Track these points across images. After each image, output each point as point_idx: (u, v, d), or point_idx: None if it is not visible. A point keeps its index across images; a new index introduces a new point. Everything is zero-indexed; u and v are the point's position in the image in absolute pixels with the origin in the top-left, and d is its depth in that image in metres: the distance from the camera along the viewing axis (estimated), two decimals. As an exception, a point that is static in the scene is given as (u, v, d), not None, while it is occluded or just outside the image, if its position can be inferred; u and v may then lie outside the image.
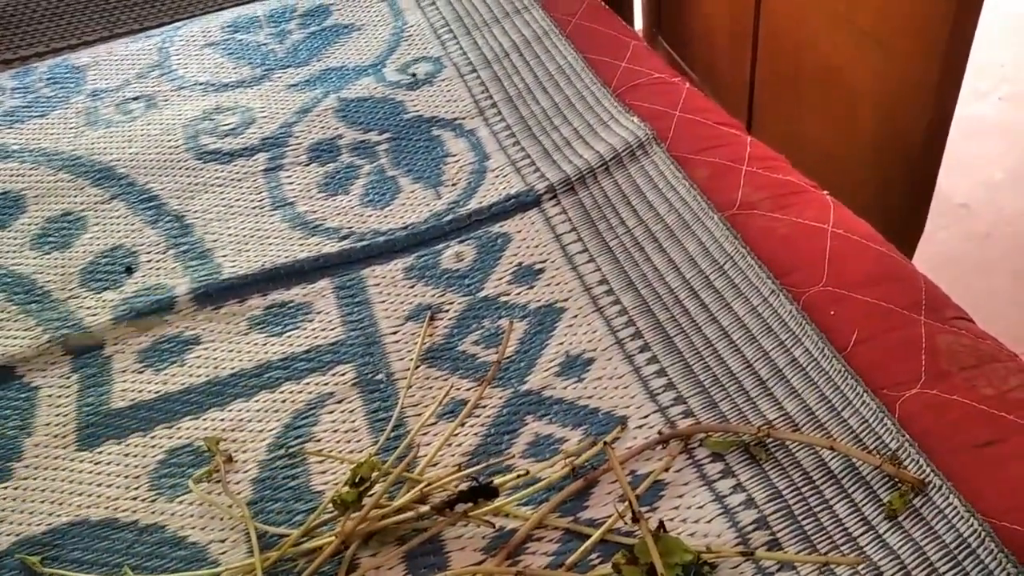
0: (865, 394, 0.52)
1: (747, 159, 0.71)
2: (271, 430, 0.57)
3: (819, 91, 1.34)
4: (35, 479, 0.56)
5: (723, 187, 0.68)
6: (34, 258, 0.72)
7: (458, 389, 0.58)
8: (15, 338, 0.65)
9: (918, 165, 1.42)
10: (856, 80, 1.32)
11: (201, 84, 0.89)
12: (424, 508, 0.48)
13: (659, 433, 0.53)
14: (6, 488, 0.56)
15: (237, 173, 0.78)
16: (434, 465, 0.53)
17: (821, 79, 1.35)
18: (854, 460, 0.49)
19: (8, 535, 0.53)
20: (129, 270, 0.70)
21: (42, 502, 0.55)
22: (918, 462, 0.48)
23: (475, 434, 0.55)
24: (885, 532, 0.46)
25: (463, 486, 0.48)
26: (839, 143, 1.31)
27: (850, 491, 0.48)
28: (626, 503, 0.48)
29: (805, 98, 1.35)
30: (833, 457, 0.50)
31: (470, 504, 0.47)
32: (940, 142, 1.38)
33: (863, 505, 0.47)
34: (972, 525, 0.45)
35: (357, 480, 0.50)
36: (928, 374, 0.52)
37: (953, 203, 1.44)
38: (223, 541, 0.51)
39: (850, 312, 0.57)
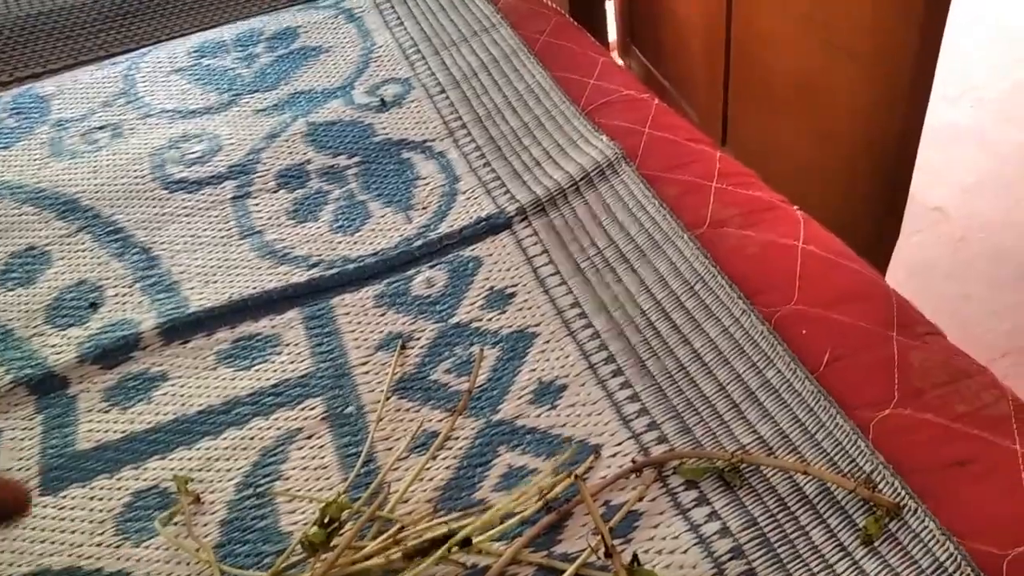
0: (838, 416, 0.51)
1: (717, 175, 0.70)
2: (239, 468, 0.56)
3: (792, 100, 1.35)
4: (-3, 527, 0.55)
5: (693, 205, 0.67)
6: (-3, 295, 0.71)
7: (430, 420, 0.58)
8: (-23, 379, 0.64)
9: (892, 172, 1.43)
10: (829, 89, 1.32)
11: (168, 111, 0.88)
12: (396, 553, 0.47)
13: (632, 462, 0.52)
14: (-33, 537, 0.54)
15: (204, 202, 0.77)
16: (405, 501, 0.52)
17: (794, 88, 1.35)
18: (829, 484, 0.49)
19: (-32, 587, 0.52)
20: (94, 306, 0.69)
21: (1, 552, 0.53)
22: (893, 484, 0.48)
23: (447, 467, 0.54)
24: (861, 558, 0.45)
25: (435, 532, 0.47)
26: (813, 151, 1.31)
27: (825, 516, 0.47)
28: (599, 537, 0.47)
29: (779, 107, 1.36)
30: (808, 481, 0.49)
31: (443, 550, 0.46)
32: (913, 148, 1.39)
33: (839, 531, 0.47)
34: (948, 549, 0.44)
35: (326, 520, 0.49)
36: (901, 393, 0.52)
37: (927, 207, 1.44)
38: (190, 586, 0.50)
39: (822, 331, 0.57)
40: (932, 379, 0.53)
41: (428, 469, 0.54)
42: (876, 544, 0.46)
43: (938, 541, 0.45)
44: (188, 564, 0.51)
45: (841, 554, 0.46)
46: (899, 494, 0.47)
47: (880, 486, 0.48)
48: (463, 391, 0.59)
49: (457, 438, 0.56)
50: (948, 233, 1.41)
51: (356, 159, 0.80)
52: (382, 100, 0.87)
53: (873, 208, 1.31)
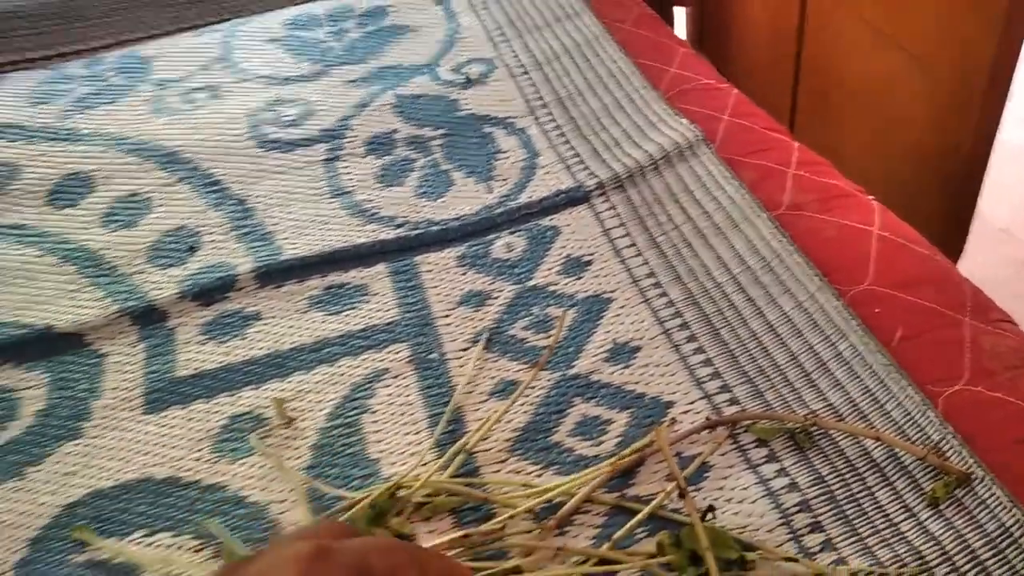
0: (909, 387, 0.53)
1: (794, 163, 0.72)
2: (330, 400, 0.59)
3: (861, 111, 1.35)
4: (103, 438, 0.59)
5: (770, 189, 0.70)
6: (102, 235, 0.76)
7: (507, 371, 0.60)
8: (85, 308, 0.68)
9: (958, 188, 1.42)
10: (898, 101, 1.33)
11: (263, 77, 0.93)
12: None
13: (707, 419, 0.54)
14: (76, 445, 0.58)
15: (297, 162, 0.81)
16: (485, 439, 0.55)
17: (863, 100, 1.36)
18: (897, 451, 0.50)
19: (79, 487, 0.56)
20: (192, 249, 0.73)
21: (110, 459, 0.57)
22: (961, 454, 0.49)
23: (524, 413, 0.57)
24: (927, 519, 0.47)
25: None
26: (879, 164, 1.32)
27: (892, 479, 0.49)
28: (673, 482, 0.49)
29: (846, 118, 1.37)
30: (876, 447, 0.51)
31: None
32: (981, 165, 1.38)
33: (905, 493, 0.49)
34: (1015, 515, 0.46)
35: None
36: (972, 372, 0.54)
37: (994, 228, 1.44)
38: (282, 502, 0.54)
39: (895, 311, 0.58)
40: (1004, 362, 0.54)
41: (507, 413, 0.57)
42: (941, 507, 0.47)
43: (1005, 507, 0.46)
44: (281, 482, 0.55)
45: (906, 514, 0.48)
46: (967, 463, 0.49)
47: (948, 455, 0.49)
48: (539, 347, 0.62)
49: (534, 388, 0.59)
50: (1013, 255, 1.40)
51: (441, 131, 0.84)
52: (467, 78, 0.90)
53: (937, 225, 1.31)
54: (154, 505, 0.54)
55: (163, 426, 0.59)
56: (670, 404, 0.56)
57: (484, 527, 0.49)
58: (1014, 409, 0.51)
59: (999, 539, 0.46)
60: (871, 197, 0.70)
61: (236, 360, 0.63)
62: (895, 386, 0.53)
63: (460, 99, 0.88)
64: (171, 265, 0.72)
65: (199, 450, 0.57)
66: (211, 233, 0.75)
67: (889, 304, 0.59)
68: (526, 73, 0.89)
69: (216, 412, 0.60)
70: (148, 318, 0.67)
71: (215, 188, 0.79)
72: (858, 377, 0.55)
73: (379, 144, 0.83)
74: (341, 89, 0.90)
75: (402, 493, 0.51)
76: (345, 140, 0.83)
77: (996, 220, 1.43)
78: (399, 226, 0.73)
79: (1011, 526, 0.46)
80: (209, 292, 0.68)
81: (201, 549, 0.51)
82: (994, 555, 0.45)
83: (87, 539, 0.52)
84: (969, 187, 1.41)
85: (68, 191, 0.80)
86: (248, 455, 0.57)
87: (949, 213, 1.42)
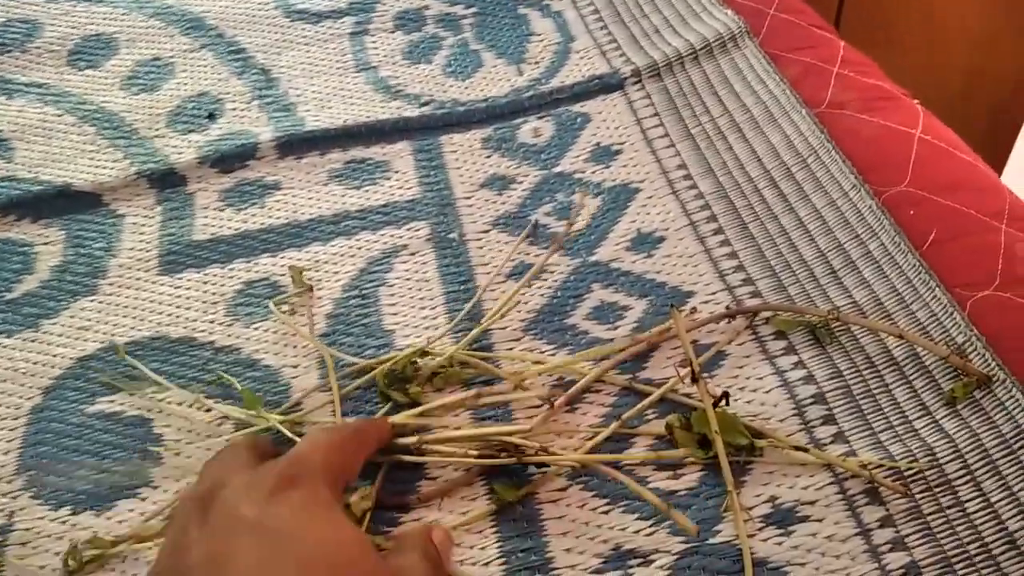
0: (937, 288, 0.52)
1: (839, 61, 0.69)
2: (347, 272, 0.59)
3: (910, 29, 1.30)
4: (119, 296, 0.59)
5: (813, 85, 0.67)
6: (123, 97, 0.74)
7: (527, 254, 0.59)
8: (103, 168, 0.67)
9: (1003, 114, 1.37)
10: (950, 20, 1.27)
11: (291, -54, 0.89)
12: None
13: (727, 308, 0.53)
14: (92, 301, 0.58)
15: (324, 34, 0.79)
16: (502, 317, 0.54)
17: (913, 17, 1.30)
18: (918, 351, 0.49)
19: (93, 342, 0.56)
20: (212, 116, 0.72)
21: (124, 316, 0.58)
22: (984, 356, 0.48)
23: (541, 295, 0.57)
24: (942, 418, 0.47)
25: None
26: (926, 84, 1.27)
27: (911, 377, 0.49)
28: (687, 367, 0.49)
29: (895, 36, 1.31)
30: (897, 345, 0.50)
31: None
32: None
33: (923, 392, 0.48)
34: (1033, 418, 0.45)
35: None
36: (1003, 278, 0.52)
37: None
38: (295, 367, 0.54)
39: (930, 214, 0.56)
40: (1038, 270, 0.53)
41: (523, 294, 0.56)
42: (958, 407, 0.47)
43: (1023, 409, 0.45)
44: (295, 347, 0.55)
45: (922, 411, 0.47)
46: (990, 365, 0.48)
47: (971, 357, 0.48)
48: (561, 232, 0.60)
49: (553, 272, 0.58)
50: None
51: (473, 10, 0.81)
52: (503, -42, 0.86)
53: (978, 150, 1.27)
54: (167, 363, 0.54)
55: (178, 287, 0.59)
56: (690, 294, 0.55)
57: (495, 388, 0.49)
58: (1044, 318, 0.50)
59: (1013, 440, 0.45)
60: (916, 101, 0.67)
61: (254, 228, 0.63)
62: (923, 287, 0.52)
63: (494, -21, 0.84)
64: (192, 131, 0.71)
65: (213, 313, 0.57)
66: (233, 101, 0.73)
67: (925, 207, 0.57)
68: (564, -44, 0.85)
69: (232, 277, 0.60)
70: (167, 182, 0.67)
71: (239, 56, 0.77)
72: (885, 276, 0.53)
73: (408, 20, 0.80)
74: (371, -37, 0.87)
75: (421, 361, 0.51)
76: (374, 14, 0.80)
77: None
78: (424, 104, 0.71)
79: (1029, 430, 0.45)
80: (229, 159, 0.67)
81: (211, 409, 0.51)
82: (1007, 455, 0.44)
83: (119, 384, 0.53)
84: (1015, 112, 1.35)
85: (90, 52, 0.78)
86: (263, 320, 0.56)
87: (989, 138, 1.38)
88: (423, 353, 0.52)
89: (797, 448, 0.46)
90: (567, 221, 0.61)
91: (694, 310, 0.54)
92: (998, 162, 1.33)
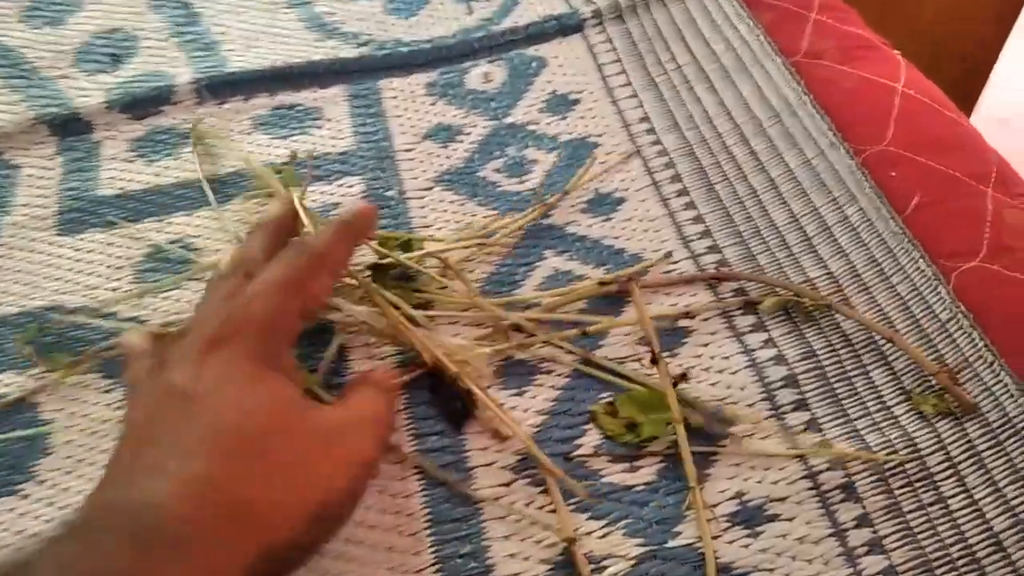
0: (920, 260, 0.47)
1: (817, 7, 0.64)
2: (269, 233, 0.52)
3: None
4: (11, 259, 0.52)
5: (789, 32, 0.61)
6: (22, 32, 0.66)
7: (474, 215, 0.54)
8: (-2, 113, 0.60)
9: (969, 71, 1.34)
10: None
11: None
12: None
13: (716, 269, 0.48)
14: (-21, 264, 0.52)
15: (251, -37, 0.71)
16: (444, 288, 0.49)
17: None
18: (899, 326, 0.45)
19: (-21, 311, 0.49)
20: (115, 58, 0.64)
21: (15, 283, 0.51)
22: (971, 336, 0.44)
23: (488, 263, 0.51)
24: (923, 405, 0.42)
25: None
26: (896, 38, 1.23)
27: (890, 359, 0.44)
28: (646, 346, 0.44)
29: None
30: (877, 323, 0.46)
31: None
32: (996, 49, 1.30)
33: (903, 375, 0.44)
34: (1022, 404, 0.41)
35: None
36: (990, 248, 0.48)
37: (993, 119, 1.36)
38: (209, 341, 0.48)
39: (913, 175, 0.52)
40: (1026, 239, 0.48)
41: (469, 262, 0.51)
42: (943, 394, 0.43)
43: (1011, 395, 0.41)
44: (208, 319, 0.48)
45: (902, 397, 0.43)
46: (976, 345, 0.44)
47: (956, 336, 0.44)
48: (512, 192, 0.55)
49: (508, 239, 0.52)
50: (1011, 147, 1.33)
51: (419, -59, 0.73)
52: None
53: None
54: (64, 336, 0.48)
55: (79, 250, 0.52)
56: (652, 263, 0.50)
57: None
58: (1034, 292, 0.46)
59: (1000, 429, 0.41)
60: (897, 52, 0.62)
61: (166, 182, 0.56)
62: (904, 258, 0.48)
63: (443, -93, 0.76)
64: (100, 72, 0.63)
65: (118, 279, 0.51)
66: (148, 38, 0.65)
67: (907, 168, 0.52)
68: None
69: (140, 239, 0.53)
70: (70, 128, 0.59)
71: (155, -13, 0.69)
72: (864, 245, 0.49)
73: (347, -49, 0.72)
74: None
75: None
76: (308, -57, 0.72)
77: (997, 110, 1.35)
78: (363, 44, 0.64)
79: (1015, 416, 0.41)
80: (141, 104, 0.60)
81: (111, 390, 0.45)
82: (992, 447, 0.41)
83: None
84: (980, 70, 1.32)
85: (-16, -22, 0.69)
86: (174, 288, 0.50)
87: (956, 97, 1.34)
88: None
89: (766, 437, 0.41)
90: (524, 180, 0.55)
91: (668, 256, 0.49)
92: (966, 111, 1.29)
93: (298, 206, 0.44)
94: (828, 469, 0.40)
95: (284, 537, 0.30)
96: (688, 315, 0.47)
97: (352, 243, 0.41)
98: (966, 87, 1.35)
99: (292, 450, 0.31)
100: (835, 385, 0.44)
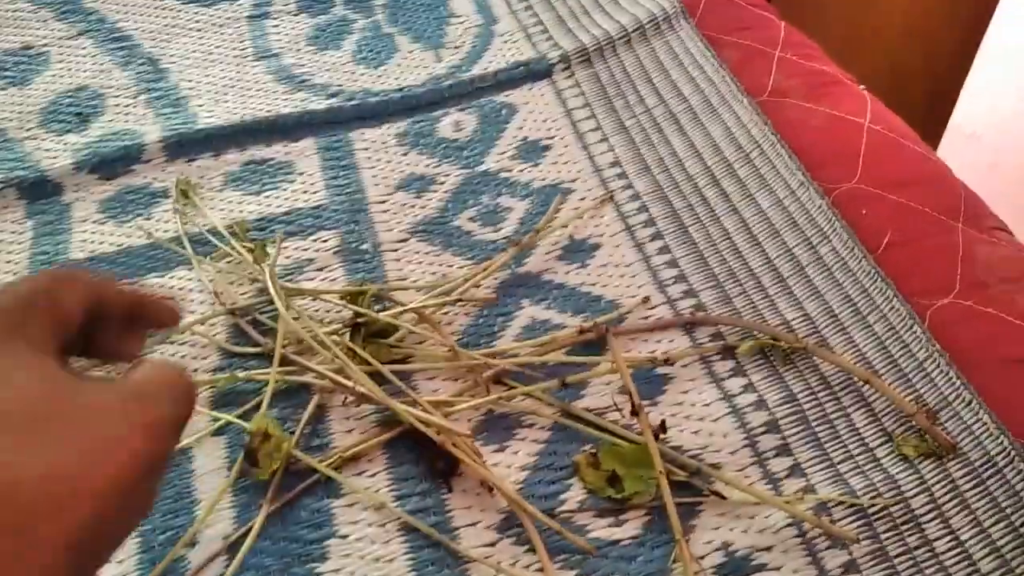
0: (895, 299, 0.48)
1: (781, 44, 0.64)
2: (244, 293, 0.52)
3: (845, 10, 1.27)
4: (-19, 328, 0.51)
5: (754, 71, 0.62)
6: (-12, 93, 0.65)
7: (450, 266, 0.54)
8: (-36, 177, 0.59)
9: (934, 91, 1.36)
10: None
11: (182, -82, 0.80)
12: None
13: (691, 313, 0.48)
14: (-52, 335, 0.50)
15: (219, 18, 0.71)
16: (421, 343, 0.48)
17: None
18: (877, 366, 0.45)
19: (-52, 384, 0.48)
20: (81, 116, 0.63)
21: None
22: (947, 374, 0.44)
23: (467, 314, 0.51)
24: (905, 447, 0.43)
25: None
26: (862, 62, 1.25)
27: (870, 401, 0.44)
28: (626, 395, 0.44)
29: (831, 19, 1.28)
30: (854, 363, 0.46)
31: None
32: (963, 67, 1.32)
33: (884, 416, 0.44)
34: (1002, 443, 0.41)
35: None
36: (963, 284, 0.48)
37: (963, 133, 1.38)
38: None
39: (883, 213, 0.52)
40: (998, 273, 0.49)
41: (446, 314, 0.50)
42: (923, 434, 0.43)
43: (991, 435, 0.42)
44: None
45: (883, 439, 0.43)
46: (954, 384, 0.44)
47: (933, 375, 0.44)
48: (486, 240, 0.55)
49: (478, 286, 0.52)
50: (980, 160, 1.35)
51: (386, -10, 0.74)
52: (419, -69, 0.79)
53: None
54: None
55: (51, 316, 0.51)
56: (629, 310, 0.50)
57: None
58: (1007, 326, 0.46)
59: (982, 469, 0.41)
60: (862, 87, 0.63)
61: (138, 244, 0.55)
62: (879, 297, 0.48)
63: (409, -45, 0.77)
64: (68, 131, 0.62)
65: (91, 344, 0.50)
66: (116, 96, 0.65)
67: (878, 205, 0.53)
68: (486, -72, 0.79)
69: (113, 301, 0.52)
70: (39, 191, 0.58)
71: (123, 44, 0.69)
72: (839, 285, 0.49)
73: (314, 1, 0.72)
74: (273, -64, 0.78)
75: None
76: (275, -5, 0.73)
77: (966, 125, 1.37)
78: (332, 96, 0.64)
79: (996, 455, 0.41)
80: (111, 164, 0.60)
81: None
82: (975, 486, 0.41)
83: None
84: (948, 90, 1.34)
85: (-53, 40, 0.69)
86: (150, 352, 0.49)
87: (924, 117, 1.36)
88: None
89: (747, 489, 0.41)
90: (499, 229, 0.55)
91: (646, 300, 0.49)
92: (934, 137, 1.31)
93: (268, 282, 0.44)
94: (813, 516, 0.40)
95: (85, 515, 0.26)
96: (667, 361, 0.46)
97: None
98: (934, 105, 1.37)
99: (60, 424, 0.27)
100: (817, 429, 0.44)
